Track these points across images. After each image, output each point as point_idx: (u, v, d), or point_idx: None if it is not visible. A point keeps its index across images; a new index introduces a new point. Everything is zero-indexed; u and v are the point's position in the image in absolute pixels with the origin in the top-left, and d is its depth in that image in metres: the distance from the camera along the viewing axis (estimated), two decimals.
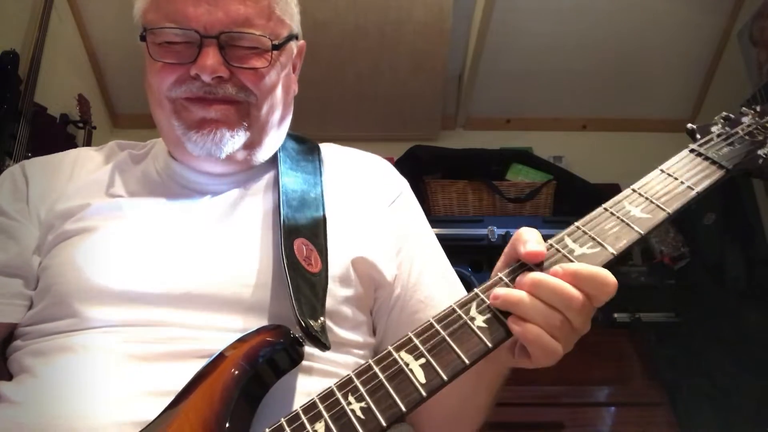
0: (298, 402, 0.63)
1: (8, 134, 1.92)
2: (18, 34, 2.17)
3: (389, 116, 2.80)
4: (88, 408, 0.62)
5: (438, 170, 2.46)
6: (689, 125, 0.75)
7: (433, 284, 0.85)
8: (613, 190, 2.73)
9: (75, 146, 2.31)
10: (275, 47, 0.79)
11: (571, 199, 2.40)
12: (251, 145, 0.83)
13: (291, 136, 0.95)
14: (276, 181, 0.85)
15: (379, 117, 2.80)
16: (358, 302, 0.80)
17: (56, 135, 2.27)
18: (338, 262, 0.78)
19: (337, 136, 2.96)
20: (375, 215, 0.86)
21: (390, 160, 2.74)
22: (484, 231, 2.25)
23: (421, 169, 2.44)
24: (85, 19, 2.54)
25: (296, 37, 0.88)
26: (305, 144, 0.95)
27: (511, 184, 2.42)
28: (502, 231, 2.23)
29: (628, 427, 1.98)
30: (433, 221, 2.25)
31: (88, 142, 2.37)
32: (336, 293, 0.76)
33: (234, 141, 0.79)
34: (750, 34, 2.40)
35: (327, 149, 0.96)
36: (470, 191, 2.40)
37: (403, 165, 2.45)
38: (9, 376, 0.73)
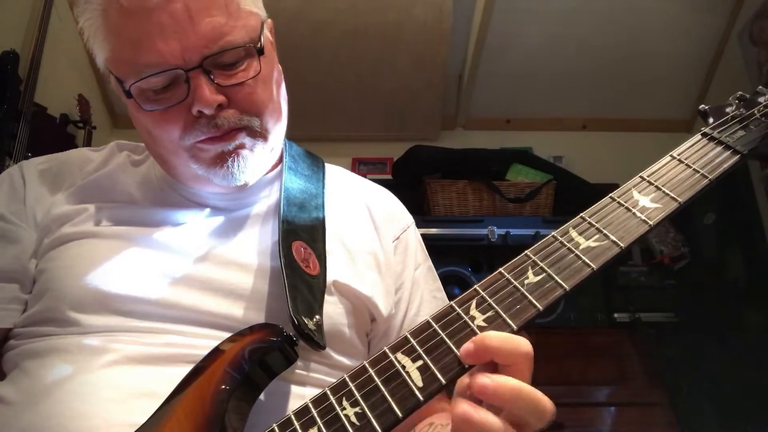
0: (292, 405, 0.62)
1: (8, 134, 1.93)
2: (18, 34, 2.17)
3: (389, 116, 2.80)
4: (81, 409, 0.61)
5: (438, 170, 2.46)
6: (701, 106, 0.71)
7: None
8: (613, 189, 2.74)
9: (75, 146, 2.31)
10: (260, 51, 0.74)
11: (571, 199, 2.40)
12: (270, 152, 0.82)
13: (299, 146, 0.94)
14: (278, 187, 0.84)
15: (379, 117, 2.80)
16: (355, 322, 0.79)
17: (56, 135, 2.27)
18: (335, 274, 0.77)
19: (337, 137, 2.97)
20: (377, 248, 0.85)
21: (390, 160, 2.76)
22: (484, 231, 2.25)
23: (421, 169, 2.44)
24: None
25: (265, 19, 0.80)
26: (312, 157, 0.94)
27: (511, 184, 2.42)
28: (502, 231, 2.24)
29: (628, 427, 1.98)
30: (433, 221, 2.29)
31: (88, 142, 2.37)
32: (331, 308, 0.75)
33: (256, 159, 0.77)
34: (750, 34, 2.40)
35: (333, 168, 0.95)
36: (470, 191, 2.40)
37: (403, 165, 2.46)
38: (2, 376, 0.72)
